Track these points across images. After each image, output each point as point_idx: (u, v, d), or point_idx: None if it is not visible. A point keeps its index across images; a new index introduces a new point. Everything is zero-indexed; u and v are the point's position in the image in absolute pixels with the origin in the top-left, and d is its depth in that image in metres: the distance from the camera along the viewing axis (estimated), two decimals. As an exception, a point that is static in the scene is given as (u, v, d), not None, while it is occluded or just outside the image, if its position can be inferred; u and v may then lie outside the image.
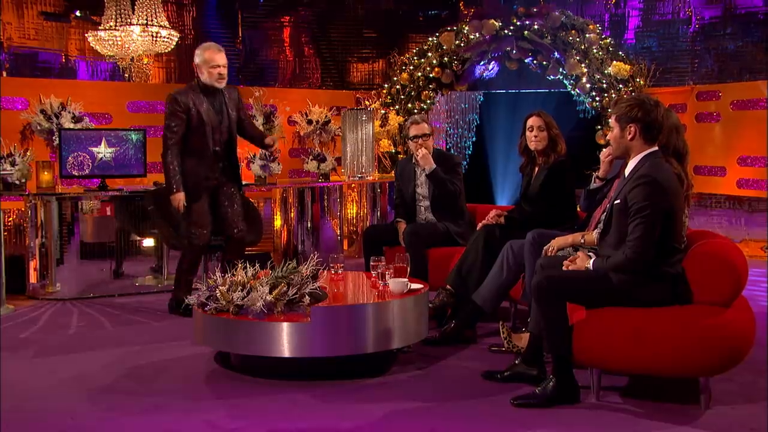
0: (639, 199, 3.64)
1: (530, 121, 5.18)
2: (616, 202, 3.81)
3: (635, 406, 3.77)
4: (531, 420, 3.57)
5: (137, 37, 7.21)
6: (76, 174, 6.69)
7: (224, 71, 5.52)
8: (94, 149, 6.70)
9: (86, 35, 7.48)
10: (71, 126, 7.06)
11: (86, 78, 8.13)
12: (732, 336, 3.62)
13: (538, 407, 3.70)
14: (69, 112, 7.19)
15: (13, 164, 6.56)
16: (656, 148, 3.82)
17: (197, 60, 5.55)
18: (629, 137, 3.80)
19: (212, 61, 5.49)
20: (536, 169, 5.25)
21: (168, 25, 7.43)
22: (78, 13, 7.97)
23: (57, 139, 6.80)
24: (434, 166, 5.64)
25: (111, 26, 7.29)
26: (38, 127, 7.14)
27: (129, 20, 7.25)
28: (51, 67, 7.95)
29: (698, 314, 3.64)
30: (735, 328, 3.64)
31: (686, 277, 3.69)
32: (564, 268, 3.94)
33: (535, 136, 5.13)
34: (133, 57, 7.70)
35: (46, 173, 6.80)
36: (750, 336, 3.74)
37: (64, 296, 6.42)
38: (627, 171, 3.85)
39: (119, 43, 7.26)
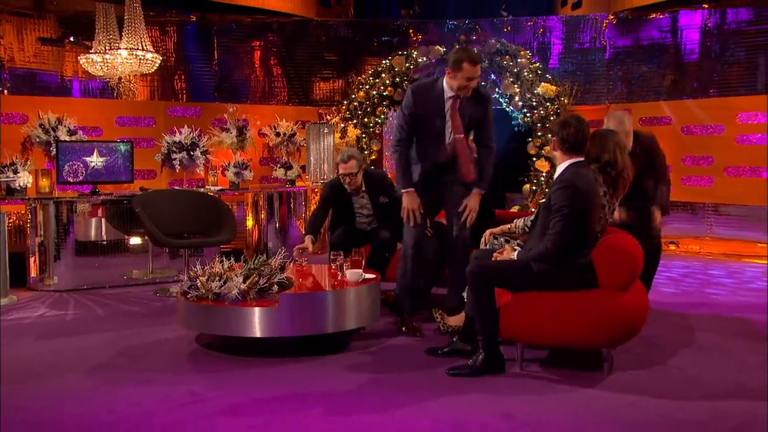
0: (559, 200, 3.82)
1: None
2: (542, 201, 4.01)
3: (552, 374, 3.96)
4: (464, 387, 3.73)
5: (124, 60, 7.25)
6: (71, 180, 6.72)
7: None
8: (88, 159, 6.75)
9: (79, 58, 7.50)
10: (67, 138, 7.08)
11: (79, 96, 8.12)
12: (629, 315, 3.84)
13: (470, 376, 3.87)
14: (64, 126, 7.22)
15: (15, 172, 6.60)
16: (581, 158, 3.99)
17: None
18: (552, 148, 4.06)
19: None
20: None
21: (152, 49, 7.48)
22: (72, 39, 7.97)
23: (54, 149, 6.83)
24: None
25: (101, 50, 7.33)
26: (37, 140, 7.16)
27: (117, 45, 7.29)
28: (48, 86, 7.92)
29: (602, 297, 3.83)
30: (631, 309, 3.86)
31: (593, 267, 3.86)
32: (493, 258, 4.13)
33: None
34: (120, 77, 7.73)
35: (44, 180, 6.85)
36: (643, 314, 3.98)
37: (61, 288, 6.45)
38: (555, 176, 4.03)
39: (108, 64, 7.30)
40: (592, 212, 3.89)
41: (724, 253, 8.05)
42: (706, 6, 8.16)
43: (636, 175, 4.59)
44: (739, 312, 5.48)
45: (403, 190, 4.71)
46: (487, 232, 4.60)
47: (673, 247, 8.39)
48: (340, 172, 5.48)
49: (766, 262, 7.35)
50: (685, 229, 8.36)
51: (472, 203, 4.70)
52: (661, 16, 8.51)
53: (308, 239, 5.30)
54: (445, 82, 4.60)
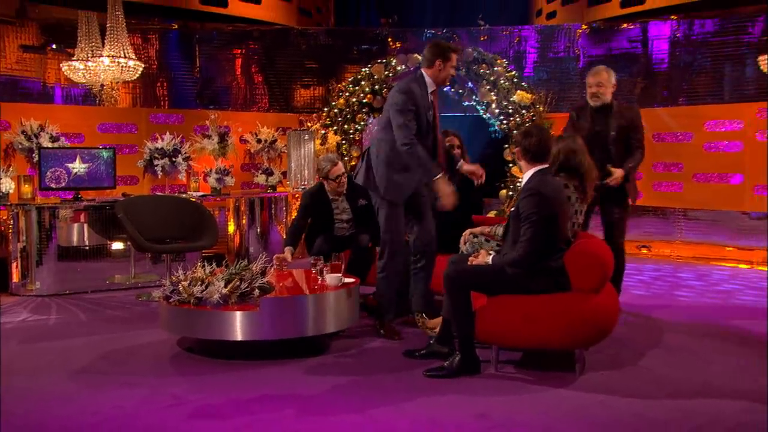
0: (527, 208, 3.89)
1: (451, 140, 5.48)
2: (511, 210, 4.09)
3: (526, 375, 4.02)
4: (441, 388, 3.78)
5: (107, 67, 7.23)
6: (54, 187, 6.69)
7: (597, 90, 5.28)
8: (70, 165, 6.72)
9: (61, 65, 7.48)
10: (49, 145, 7.06)
11: (61, 103, 8.09)
12: (600, 316, 3.91)
13: (446, 378, 3.92)
14: (47, 133, 7.20)
15: (-3, 178, 6.57)
16: (546, 165, 4.06)
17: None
18: (517, 158, 4.13)
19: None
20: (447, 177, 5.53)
21: (134, 57, 7.47)
22: (54, 46, 7.95)
23: (36, 156, 6.80)
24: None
25: (83, 57, 7.31)
26: (20, 146, 7.13)
27: (99, 52, 7.28)
28: (30, 93, 7.87)
29: (574, 300, 3.89)
30: (603, 311, 3.93)
31: (566, 270, 3.92)
32: (469, 263, 4.18)
33: (455, 152, 5.43)
34: (102, 84, 7.71)
35: (26, 186, 6.81)
36: (614, 316, 4.06)
37: (43, 293, 6.42)
38: (522, 184, 4.13)
39: (91, 72, 7.28)
40: (561, 217, 3.96)
41: (693, 256, 8.18)
42: (675, 17, 8.30)
43: (614, 144, 5.13)
44: (706, 313, 5.58)
45: (435, 177, 4.51)
46: (467, 231, 4.69)
47: (645, 251, 8.52)
48: (333, 175, 5.48)
49: (766, 269, 7.43)
50: (656, 234, 8.49)
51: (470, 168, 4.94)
52: (632, 27, 8.64)
53: (288, 250, 5.32)
54: (427, 76, 4.69)
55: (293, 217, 6.01)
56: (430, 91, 4.71)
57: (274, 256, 5.23)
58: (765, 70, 7.14)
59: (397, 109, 4.60)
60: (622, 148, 5.23)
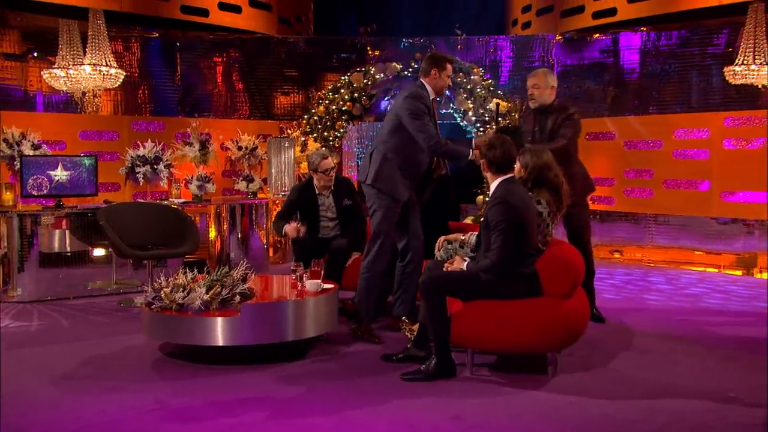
0: (495, 216, 3.96)
1: None
2: (482, 219, 4.16)
3: (500, 378, 4.09)
4: (417, 391, 3.84)
5: (88, 75, 7.20)
6: (36, 194, 6.64)
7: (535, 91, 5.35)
8: (52, 172, 6.67)
9: (42, 73, 7.44)
10: (31, 152, 7.01)
11: (43, 110, 8.04)
12: (572, 320, 4.00)
13: (423, 381, 3.98)
14: (28, 141, 7.14)
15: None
16: (511, 174, 4.13)
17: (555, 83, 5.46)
18: (483, 170, 4.19)
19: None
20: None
21: (116, 64, 7.46)
22: (35, 54, 7.91)
23: (18, 164, 6.75)
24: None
25: (65, 65, 7.28)
26: (1, 154, 7.07)
27: (81, 60, 7.26)
28: (12, 101, 7.82)
29: (546, 304, 3.97)
30: (574, 315, 4.03)
31: (538, 276, 4.00)
32: (444, 269, 4.24)
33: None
34: (84, 92, 7.68)
35: (7, 193, 6.77)
36: (585, 320, 4.15)
37: (25, 299, 6.37)
38: (490, 193, 4.20)
39: (72, 79, 7.24)
40: (529, 224, 4.02)
41: (664, 261, 8.31)
42: (645, 29, 8.44)
43: (551, 141, 5.17)
44: (675, 317, 5.69)
45: (470, 157, 4.70)
46: (442, 238, 4.75)
47: (617, 255, 8.64)
48: (323, 168, 5.63)
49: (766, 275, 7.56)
50: (628, 238, 8.61)
51: None
52: (603, 37, 8.77)
53: (288, 226, 5.50)
54: (427, 84, 4.84)
55: (278, 211, 6.13)
56: (430, 99, 4.86)
57: (286, 228, 5.48)
58: (731, 80, 7.28)
59: (412, 112, 4.72)
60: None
